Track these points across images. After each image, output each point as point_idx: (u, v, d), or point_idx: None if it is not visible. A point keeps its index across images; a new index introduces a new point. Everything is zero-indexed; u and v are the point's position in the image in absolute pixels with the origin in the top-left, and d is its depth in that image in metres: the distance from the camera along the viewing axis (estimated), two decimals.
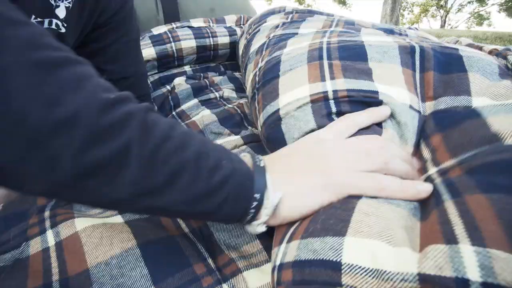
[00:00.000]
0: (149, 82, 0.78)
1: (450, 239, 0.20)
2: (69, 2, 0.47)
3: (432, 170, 0.27)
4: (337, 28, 0.55)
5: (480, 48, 0.46)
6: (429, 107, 0.32)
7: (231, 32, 0.90)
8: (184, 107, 0.70)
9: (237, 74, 0.87)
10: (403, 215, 0.24)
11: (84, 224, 0.32)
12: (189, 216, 0.31)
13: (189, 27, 0.87)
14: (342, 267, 0.21)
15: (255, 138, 0.57)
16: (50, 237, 0.32)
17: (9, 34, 0.20)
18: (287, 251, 0.25)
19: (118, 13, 0.55)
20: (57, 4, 0.45)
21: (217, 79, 0.81)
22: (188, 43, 0.83)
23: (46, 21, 0.44)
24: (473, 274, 0.17)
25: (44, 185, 0.21)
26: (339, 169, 0.27)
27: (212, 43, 0.86)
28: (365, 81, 0.32)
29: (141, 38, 0.76)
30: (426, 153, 0.29)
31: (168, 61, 0.82)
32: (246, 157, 0.29)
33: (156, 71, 0.83)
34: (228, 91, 0.76)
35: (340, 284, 0.21)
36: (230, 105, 0.68)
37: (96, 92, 0.22)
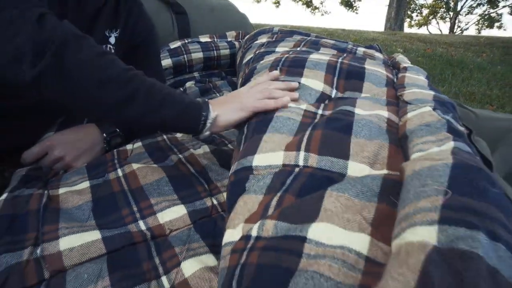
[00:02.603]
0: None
1: None
2: (117, 33, 0.70)
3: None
4: (301, 48, 0.77)
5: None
6: (340, 93, 0.53)
7: (231, 46, 1.13)
8: None
9: (234, 79, 1.10)
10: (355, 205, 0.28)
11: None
12: (162, 124, 0.49)
13: (198, 42, 1.10)
14: (306, 240, 0.24)
15: None
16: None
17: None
18: (263, 227, 0.28)
19: (147, 36, 0.78)
20: (110, 35, 0.69)
21: (219, 83, 1.04)
22: (197, 55, 1.06)
23: (103, 46, 0.67)
24: None
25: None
26: (246, 99, 0.50)
27: (216, 55, 1.09)
28: (298, 77, 0.54)
29: (161, 51, 0.99)
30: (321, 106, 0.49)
31: (181, 69, 1.05)
32: (200, 99, 0.52)
33: (172, 76, 1.06)
34: (227, 92, 0.99)
35: (302, 252, 0.23)
36: None
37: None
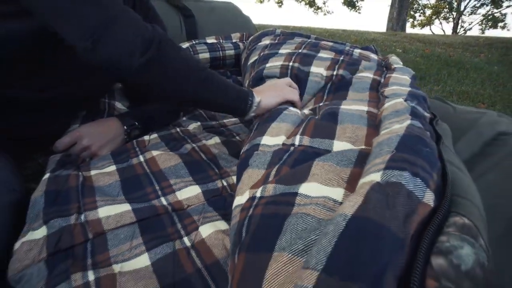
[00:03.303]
0: None
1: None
2: None
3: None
4: (302, 50, 0.85)
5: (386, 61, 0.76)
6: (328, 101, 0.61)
7: (236, 46, 1.21)
8: None
9: (239, 78, 1.18)
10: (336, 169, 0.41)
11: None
12: (222, 107, 0.62)
13: (205, 43, 1.18)
14: (298, 194, 0.32)
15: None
16: None
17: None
18: (265, 190, 0.39)
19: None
20: None
21: None
22: (204, 55, 1.14)
23: None
24: None
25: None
26: (281, 89, 0.65)
27: (221, 55, 1.17)
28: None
29: None
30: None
31: None
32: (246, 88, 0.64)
33: None
34: None
35: (294, 203, 0.31)
36: None
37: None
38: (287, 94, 0.65)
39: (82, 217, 0.45)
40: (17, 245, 0.41)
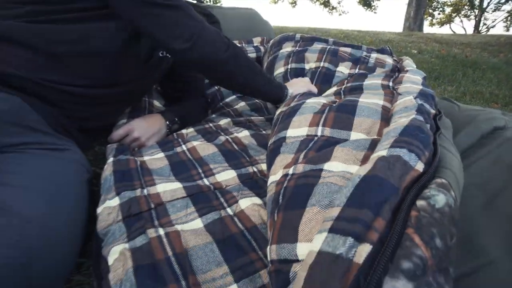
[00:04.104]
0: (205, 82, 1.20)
1: None
2: None
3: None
4: (323, 63, 0.96)
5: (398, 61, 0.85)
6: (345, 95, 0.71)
7: (257, 50, 1.31)
8: (227, 100, 1.11)
9: None
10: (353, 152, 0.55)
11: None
12: (267, 94, 0.80)
13: None
14: (323, 170, 0.42)
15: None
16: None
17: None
18: (296, 168, 0.45)
19: None
20: None
21: None
22: None
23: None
24: None
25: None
26: (307, 83, 0.88)
27: None
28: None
29: None
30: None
31: None
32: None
33: None
34: None
35: (320, 176, 0.40)
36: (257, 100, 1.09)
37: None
38: (310, 87, 0.86)
39: (145, 191, 0.57)
40: (99, 210, 0.52)
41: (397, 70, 0.89)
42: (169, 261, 0.42)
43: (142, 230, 0.47)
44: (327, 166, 0.41)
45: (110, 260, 0.43)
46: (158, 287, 0.38)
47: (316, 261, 0.27)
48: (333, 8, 15.01)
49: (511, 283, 0.34)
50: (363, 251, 0.26)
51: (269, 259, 0.37)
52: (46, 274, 0.42)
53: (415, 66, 0.95)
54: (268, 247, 0.38)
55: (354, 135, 0.48)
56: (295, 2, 14.31)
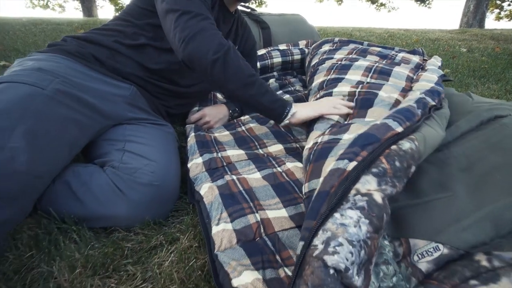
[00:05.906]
0: None
1: None
2: (236, 47, 1.13)
3: None
4: (352, 55, 1.12)
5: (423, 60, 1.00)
6: (373, 80, 0.88)
7: (302, 52, 1.51)
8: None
9: (303, 77, 1.48)
10: (362, 128, 0.80)
11: None
12: (261, 107, 0.77)
13: (278, 49, 1.51)
14: (340, 139, 0.73)
15: None
16: None
17: None
18: (321, 138, 0.70)
19: (252, 49, 1.20)
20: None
21: (292, 80, 1.43)
22: (277, 60, 1.46)
23: None
24: None
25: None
26: (318, 106, 0.80)
27: (291, 59, 1.48)
28: (344, 75, 0.90)
29: None
30: None
31: (266, 70, 1.47)
32: (287, 98, 0.92)
33: (259, 76, 1.48)
34: (298, 86, 1.37)
35: (339, 142, 0.67)
36: (299, 93, 1.29)
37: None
38: (323, 110, 0.78)
39: (219, 154, 0.81)
40: (189, 164, 0.78)
41: (420, 68, 1.03)
42: (241, 193, 0.65)
43: (221, 176, 0.71)
44: (344, 136, 0.61)
45: (202, 191, 0.67)
46: (235, 203, 0.61)
47: (329, 172, 0.48)
48: (382, 4, 14.42)
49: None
50: (351, 165, 0.48)
51: (303, 192, 0.58)
52: (170, 192, 0.70)
53: (439, 65, 1.08)
54: (303, 185, 0.59)
55: (366, 120, 0.68)
56: (341, 0, 14.04)
